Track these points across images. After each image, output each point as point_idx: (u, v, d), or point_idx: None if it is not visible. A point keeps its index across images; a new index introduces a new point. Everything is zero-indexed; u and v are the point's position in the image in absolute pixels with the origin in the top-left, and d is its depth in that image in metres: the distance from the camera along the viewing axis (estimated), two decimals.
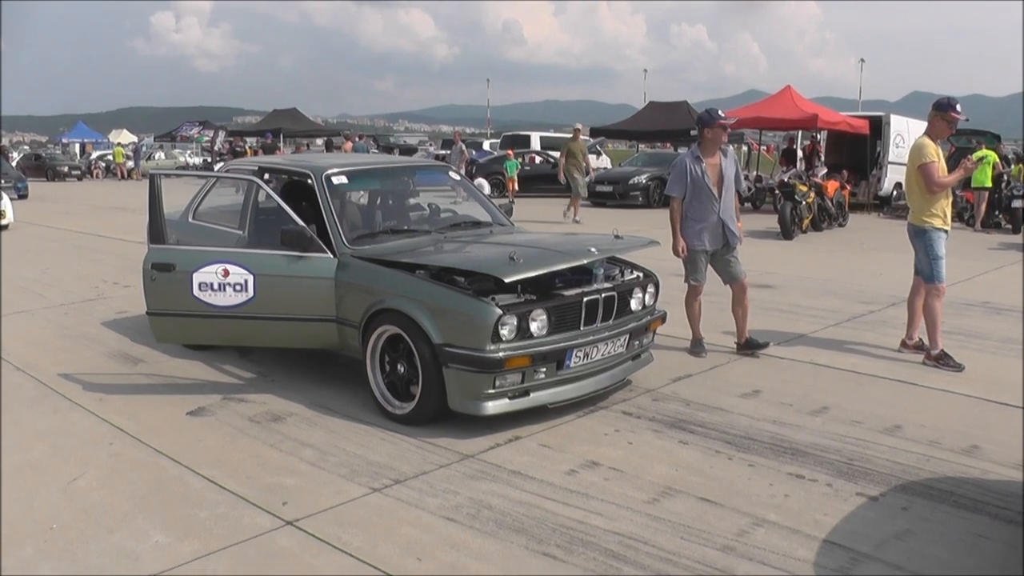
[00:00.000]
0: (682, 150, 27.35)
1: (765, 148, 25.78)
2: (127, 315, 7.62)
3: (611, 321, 4.95)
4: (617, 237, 5.55)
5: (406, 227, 5.88)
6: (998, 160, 16.72)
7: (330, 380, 5.63)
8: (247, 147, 31.19)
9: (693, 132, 24.23)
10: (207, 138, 37.06)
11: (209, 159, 29.91)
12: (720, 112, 6.31)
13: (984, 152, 15.45)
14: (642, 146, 30.31)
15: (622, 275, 5.25)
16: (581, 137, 16.25)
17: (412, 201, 6.57)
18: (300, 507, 3.74)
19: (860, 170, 19.76)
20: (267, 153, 26.76)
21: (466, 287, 4.60)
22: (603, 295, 4.86)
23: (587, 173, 16.24)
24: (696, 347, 6.30)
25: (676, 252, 6.19)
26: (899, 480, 4.06)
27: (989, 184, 15.87)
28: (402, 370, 4.79)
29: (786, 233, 13.94)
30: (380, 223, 5.99)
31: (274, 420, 4.88)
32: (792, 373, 5.91)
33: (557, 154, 26.41)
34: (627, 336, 5.08)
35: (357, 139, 24.91)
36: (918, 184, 6.14)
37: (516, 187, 20.57)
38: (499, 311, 4.38)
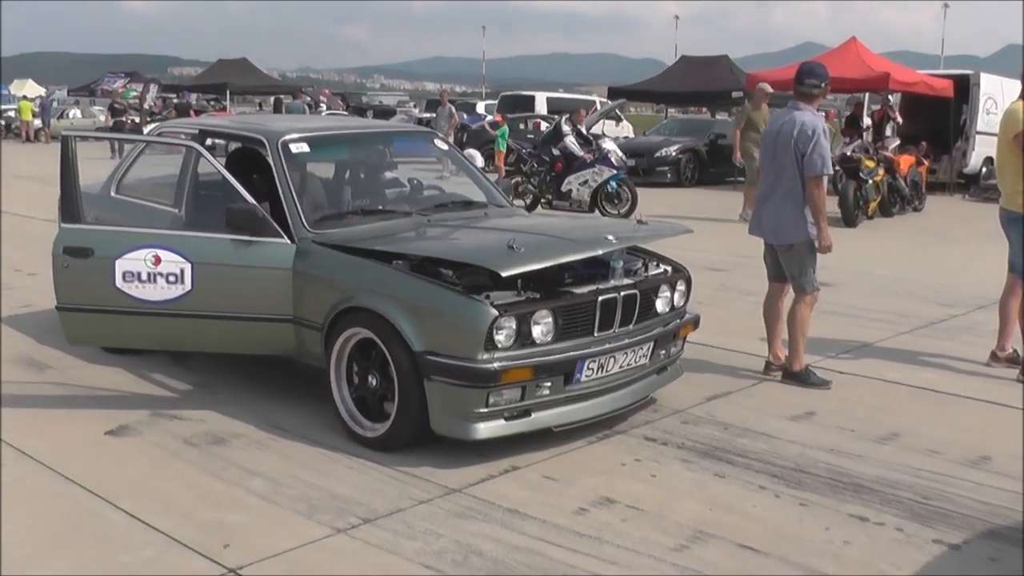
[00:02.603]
0: (720, 116, 27.46)
1: (824, 114, 25.85)
2: (32, 310, 7.61)
3: (632, 326, 4.96)
4: (640, 223, 5.55)
5: (381, 207, 5.87)
6: None
7: (285, 394, 5.63)
8: (133, 105, 30.72)
9: (735, 94, 23.88)
10: (135, 93, 36.99)
11: (138, 119, 29.89)
12: None
13: None
14: (672, 111, 30.35)
15: (646, 269, 5.27)
16: (765, 104, 14.67)
17: (389, 175, 6.56)
18: (246, 551, 3.74)
19: (941, 142, 19.77)
20: (180, 114, 26.71)
21: (454, 282, 4.61)
22: (622, 293, 4.87)
23: None
24: (809, 376, 6.01)
25: (830, 247, 5.94)
26: (986, 524, 4.07)
27: None
28: (374, 383, 4.79)
29: (848, 219, 13.96)
30: (349, 202, 5.99)
31: (215, 442, 4.88)
32: (854, 391, 5.92)
33: None
34: (651, 344, 5.09)
35: (292, 98, 24.78)
36: (1012, 159, 6.14)
37: (504, 162, 20.20)
38: (494, 312, 4.38)
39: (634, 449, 4.86)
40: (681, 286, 5.40)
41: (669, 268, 5.44)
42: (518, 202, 14.96)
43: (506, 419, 4.57)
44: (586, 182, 14.14)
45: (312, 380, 5.47)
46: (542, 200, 14.62)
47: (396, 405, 4.62)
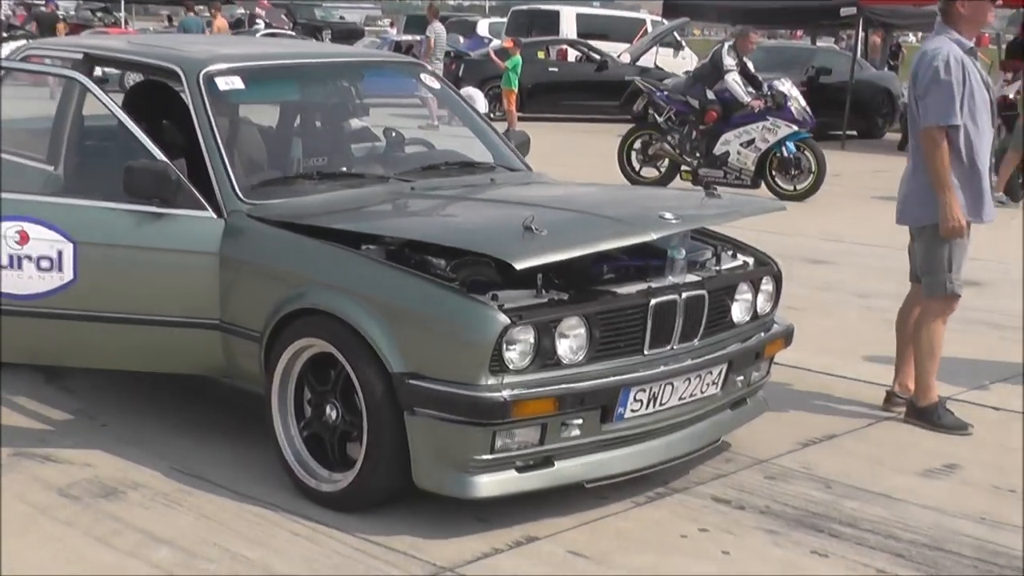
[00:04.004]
0: (823, 43, 27.18)
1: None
2: None
3: (697, 341, 4.96)
4: (711, 194, 5.54)
5: (345, 168, 5.90)
6: None
7: (205, 429, 5.65)
8: None
9: (845, 10, 23.35)
10: None
11: None
12: None
13: None
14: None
15: (718, 261, 5.27)
16: None
17: (356, 124, 6.59)
18: None
19: None
20: (43, 31, 26.54)
21: (448, 275, 4.63)
22: (684, 295, 4.86)
23: None
24: (939, 415, 6.00)
25: (953, 229, 5.82)
26: None
27: None
28: (333, 416, 4.81)
29: (1010, 191, 13.87)
30: (300, 161, 6.02)
31: (104, 495, 4.89)
32: (1014, 435, 5.93)
33: (607, 47, 26.36)
34: (724, 367, 5.10)
35: (185, 10, 24.50)
36: None
37: (515, 106, 19.92)
38: (505, 319, 4.37)
39: (698, 514, 4.88)
40: (768, 285, 5.41)
41: (751, 260, 5.45)
42: (648, 172, 14.59)
43: (519, 470, 4.58)
44: (751, 142, 13.56)
45: (244, 410, 5.50)
46: (683, 168, 14.13)
47: (364, 448, 4.61)
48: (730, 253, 5.41)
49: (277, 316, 4.87)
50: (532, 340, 4.46)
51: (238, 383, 5.33)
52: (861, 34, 22.66)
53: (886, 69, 25.72)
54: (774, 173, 13.69)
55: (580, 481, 4.74)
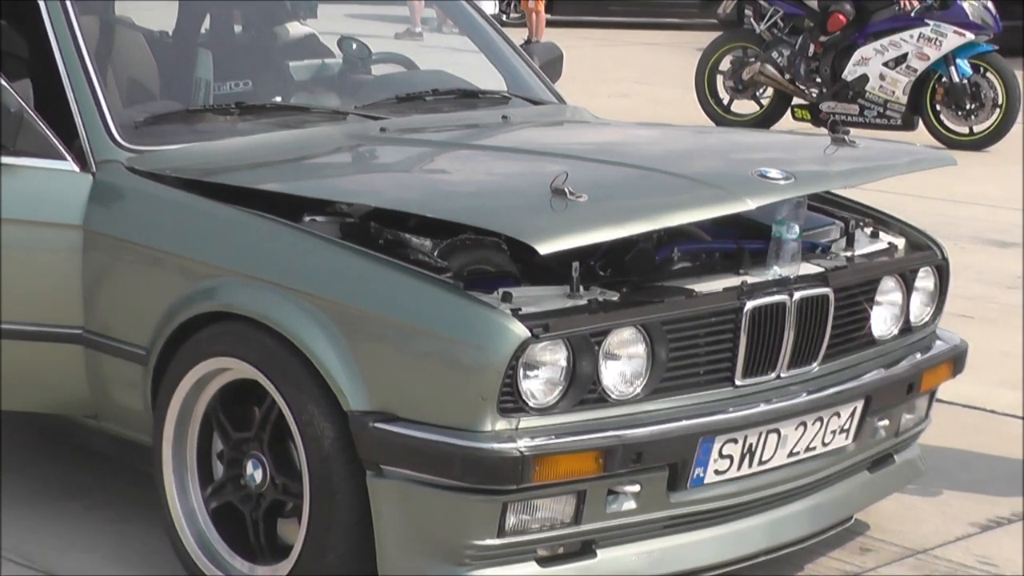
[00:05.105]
0: None
1: None
2: None
3: (816, 366, 4.94)
4: (840, 140, 5.52)
5: (280, 99, 5.95)
6: None
7: (60, 497, 5.68)
8: None
9: None
10: None
11: None
12: None
13: None
14: None
15: (850, 243, 5.24)
16: None
17: (296, 32, 6.62)
18: None
19: None
20: None
21: (436, 263, 4.59)
22: (797, 295, 4.82)
23: None
24: None
25: None
26: None
27: None
28: (258, 478, 4.77)
29: None
30: (210, 86, 6.02)
31: None
32: None
33: None
34: (859, 406, 5.06)
35: None
36: None
37: (543, 5, 19.97)
38: (523, 331, 4.31)
39: None
40: (927, 281, 5.38)
41: (901, 241, 5.43)
42: (742, 105, 14.71)
43: (543, 562, 4.54)
44: (902, 60, 13.47)
45: (118, 467, 5.47)
46: (796, 101, 14.22)
47: (304, 527, 4.58)
48: (869, 231, 5.40)
49: (173, 324, 4.84)
50: (564, 363, 4.41)
51: (110, 426, 5.25)
52: None
53: None
54: (938, 107, 13.61)
55: None
